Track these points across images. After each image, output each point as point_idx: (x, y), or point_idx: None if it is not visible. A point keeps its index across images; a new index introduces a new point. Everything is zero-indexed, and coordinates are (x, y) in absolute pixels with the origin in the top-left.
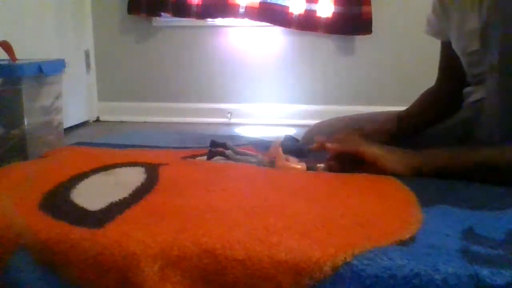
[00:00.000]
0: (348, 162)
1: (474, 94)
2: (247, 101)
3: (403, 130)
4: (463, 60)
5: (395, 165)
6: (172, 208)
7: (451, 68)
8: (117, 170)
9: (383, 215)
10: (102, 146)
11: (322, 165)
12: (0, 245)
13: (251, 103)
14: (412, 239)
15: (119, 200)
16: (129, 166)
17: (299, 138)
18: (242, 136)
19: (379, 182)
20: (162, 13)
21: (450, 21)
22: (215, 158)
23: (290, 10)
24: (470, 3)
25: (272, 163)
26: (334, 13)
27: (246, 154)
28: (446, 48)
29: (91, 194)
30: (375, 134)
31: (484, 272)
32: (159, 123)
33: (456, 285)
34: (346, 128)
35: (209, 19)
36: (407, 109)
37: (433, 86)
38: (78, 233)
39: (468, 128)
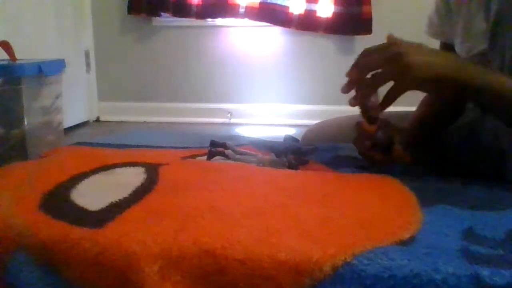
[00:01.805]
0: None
1: None
2: (247, 101)
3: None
4: None
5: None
6: (172, 208)
7: None
8: (117, 170)
9: (383, 215)
10: (102, 146)
11: None
12: (0, 245)
13: (251, 103)
14: (412, 239)
15: (119, 200)
16: (129, 166)
17: (299, 138)
18: (242, 136)
19: (379, 182)
20: (162, 13)
21: (454, 23)
22: (215, 158)
23: (290, 10)
24: (477, 3)
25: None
26: (334, 13)
27: (246, 154)
28: (446, 50)
29: (91, 194)
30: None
31: (484, 272)
32: (159, 123)
33: (456, 285)
34: (346, 128)
35: (209, 19)
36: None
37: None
38: (78, 233)
39: (473, 129)
